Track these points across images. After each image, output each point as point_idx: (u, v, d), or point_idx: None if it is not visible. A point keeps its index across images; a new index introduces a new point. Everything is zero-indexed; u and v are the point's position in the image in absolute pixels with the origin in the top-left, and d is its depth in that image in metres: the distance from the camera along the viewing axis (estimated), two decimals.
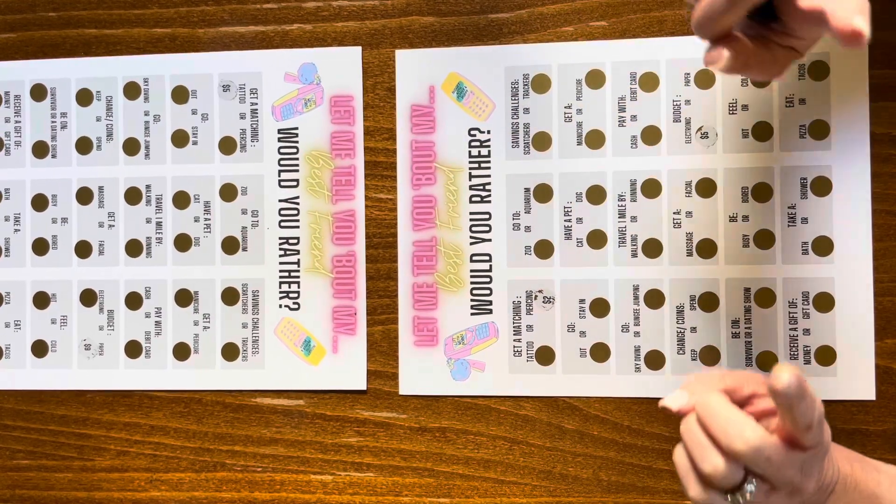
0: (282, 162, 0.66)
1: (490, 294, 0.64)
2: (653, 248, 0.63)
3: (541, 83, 0.64)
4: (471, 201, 0.65)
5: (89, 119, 0.68)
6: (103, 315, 0.67)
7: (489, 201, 0.64)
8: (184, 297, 0.67)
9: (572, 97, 0.64)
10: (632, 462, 0.63)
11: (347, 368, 0.65)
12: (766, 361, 0.62)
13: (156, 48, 0.67)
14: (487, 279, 0.64)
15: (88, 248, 0.68)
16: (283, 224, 0.66)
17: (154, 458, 0.67)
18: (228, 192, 0.67)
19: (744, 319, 0.62)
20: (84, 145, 0.68)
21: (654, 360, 0.63)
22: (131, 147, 0.67)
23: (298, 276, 0.66)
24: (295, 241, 0.66)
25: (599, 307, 0.63)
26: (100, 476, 0.67)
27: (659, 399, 0.62)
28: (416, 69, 0.65)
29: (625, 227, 0.63)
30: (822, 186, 0.61)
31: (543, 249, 0.64)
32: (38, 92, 0.68)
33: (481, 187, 0.65)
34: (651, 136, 0.63)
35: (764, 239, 0.62)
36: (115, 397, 0.67)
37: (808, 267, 0.62)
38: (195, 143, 0.67)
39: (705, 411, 0.45)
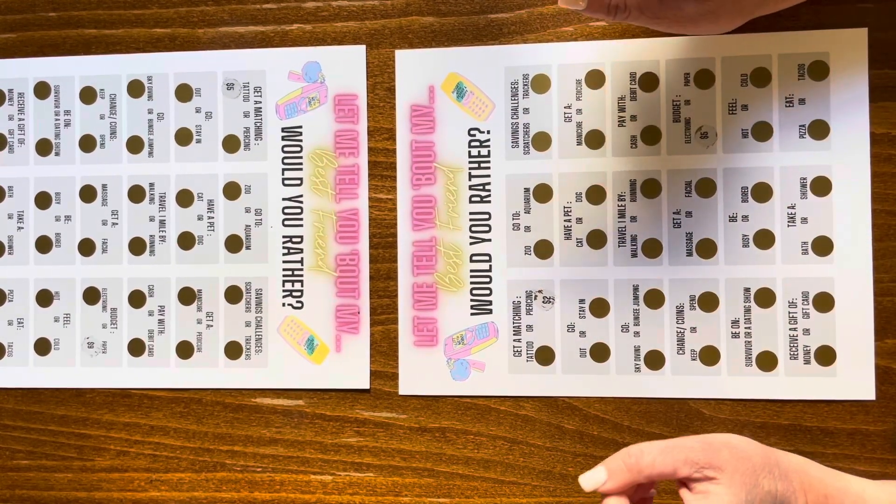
0: (285, 160, 0.66)
1: (490, 294, 0.64)
2: (653, 248, 0.63)
3: (541, 83, 0.64)
4: (470, 201, 0.65)
5: (93, 117, 0.68)
6: (106, 313, 0.68)
7: (489, 201, 0.65)
8: (187, 296, 0.67)
9: (572, 97, 0.64)
10: None
11: (351, 367, 0.65)
12: (766, 361, 0.62)
13: (155, 48, 0.68)
14: (487, 279, 0.64)
15: (92, 245, 0.68)
16: (286, 223, 0.66)
17: (154, 458, 0.67)
18: (232, 191, 0.67)
19: (743, 319, 0.62)
20: (87, 143, 0.68)
21: (654, 360, 0.63)
22: (135, 145, 0.68)
23: (302, 275, 0.66)
24: (298, 239, 0.66)
25: (599, 307, 0.63)
26: (100, 476, 0.67)
27: (659, 399, 0.63)
28: (415, 69, 0.65)
29: (624, 227, 0.63)
30: (821, 186, 0.62)
31: (543, 249, 0.64)
32: (42, 90, 0.69)
33: (481, 187, 0.65)
34: (651, 136, 0.63)
35: (764, 239, 0.62)
36: (114, 397, 0.67)
37: (808, 267, 0.62)
38: (199, 141, 0.67)
39: None
